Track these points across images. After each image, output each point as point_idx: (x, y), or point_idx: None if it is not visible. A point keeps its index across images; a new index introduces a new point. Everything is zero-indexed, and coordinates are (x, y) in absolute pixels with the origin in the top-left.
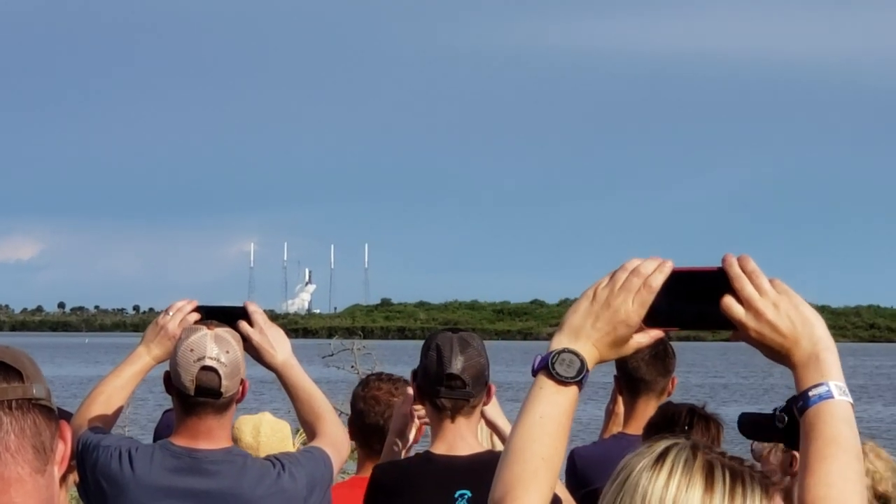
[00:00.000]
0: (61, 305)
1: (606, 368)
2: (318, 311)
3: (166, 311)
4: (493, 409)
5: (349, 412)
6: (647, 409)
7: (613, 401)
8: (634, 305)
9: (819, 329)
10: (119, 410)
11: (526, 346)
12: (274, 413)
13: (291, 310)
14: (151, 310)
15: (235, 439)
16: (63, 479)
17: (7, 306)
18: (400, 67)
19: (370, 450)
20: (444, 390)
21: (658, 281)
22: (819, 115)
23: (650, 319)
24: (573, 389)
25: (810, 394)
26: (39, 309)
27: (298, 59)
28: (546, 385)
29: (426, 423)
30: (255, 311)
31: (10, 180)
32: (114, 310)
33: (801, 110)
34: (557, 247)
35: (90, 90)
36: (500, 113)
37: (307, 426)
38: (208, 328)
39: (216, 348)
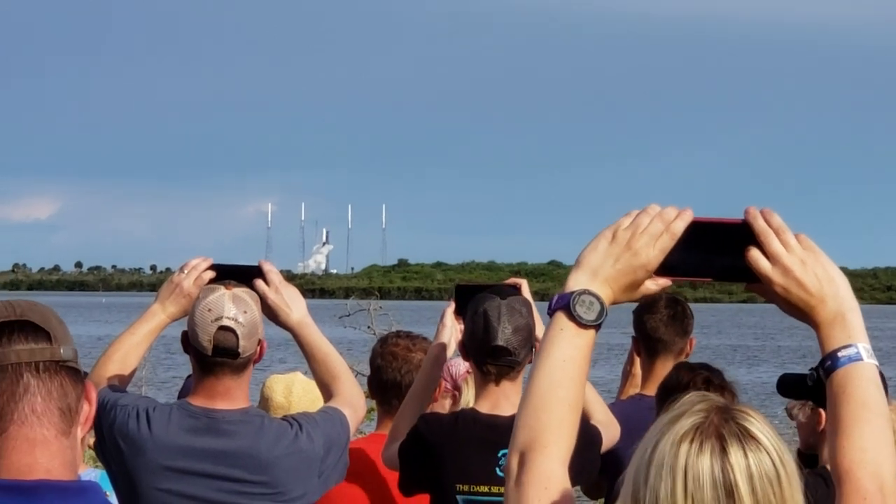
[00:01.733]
0: (78, 265)
1: (623, 328)
2: (335, 271)
3: (181, 269)
4: None
5: (366, 372)
6: (665, 369)
7: (630, 362)
8: (655, 250)
9: (844, 289)
10: (135, 368)
11: (543, 307)
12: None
13: (308, 270)
14: (168, 269)
15: (266, 398)
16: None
17: (24, 266)
18: (418, 30)
19: (389, 406)
20: (490, 360)
21: (680, 227)
22: (838, 78)
23: (663, 268)
24: (592, 333)
25: (839, 355)
26: (57, 268)
27: (317, 20)
28: (567, 327)
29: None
30: (271, 270)
31: (27, 141)
32: (131, 269)
33: (821, 73)
34: (575, 208)
35: (107, 51)
36: (519, 76)
37: (323, 386)
38: (226, 288)
39: (234, 308)
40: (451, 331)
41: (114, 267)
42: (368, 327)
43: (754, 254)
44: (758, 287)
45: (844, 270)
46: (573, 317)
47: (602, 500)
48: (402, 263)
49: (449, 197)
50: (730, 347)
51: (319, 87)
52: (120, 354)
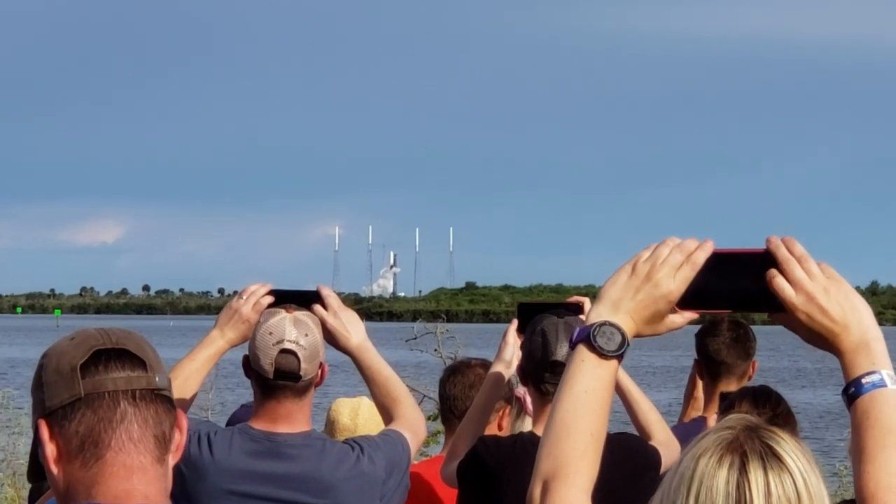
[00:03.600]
0: (146, 288)
1: (681, 352)
2: (402, 294)
3: (240, 295)
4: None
5: (431, 394)
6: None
7: (692, 384)
8: (676, 281)
9: (867, 317)
10: (195, 394)
11: None
12: (345, 395)
13: (376, 293)
14: (235, 293)
15: (333, 421)
16: None
17: (92, 289)
18: (480, 53)
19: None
20: (549, 376)
21: (702, 258)
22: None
23: (686, 301)
24: (614, 363)
25: (863, 381)
26: (124, 292)
27: (382, 43)
28: (588, 358)
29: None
30: (329, 294)
31: (95, 164)
32: (198, 293)
33: (881, 99)
34: (640, 230)
35: (175, 74)
36: (584, 97)
37: (384, 409)
38: (287, 311)
39: (295, 331)
40: (513, 349)
41: (181, 290)
42: (435, 350)
43: (779, 281)
44: (780, 316)
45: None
46: (594, 348)
47: None
48: (470, 286)
49: (516, 219)
50: (796, 370)
51: (386, 109)
52: (180, 381)
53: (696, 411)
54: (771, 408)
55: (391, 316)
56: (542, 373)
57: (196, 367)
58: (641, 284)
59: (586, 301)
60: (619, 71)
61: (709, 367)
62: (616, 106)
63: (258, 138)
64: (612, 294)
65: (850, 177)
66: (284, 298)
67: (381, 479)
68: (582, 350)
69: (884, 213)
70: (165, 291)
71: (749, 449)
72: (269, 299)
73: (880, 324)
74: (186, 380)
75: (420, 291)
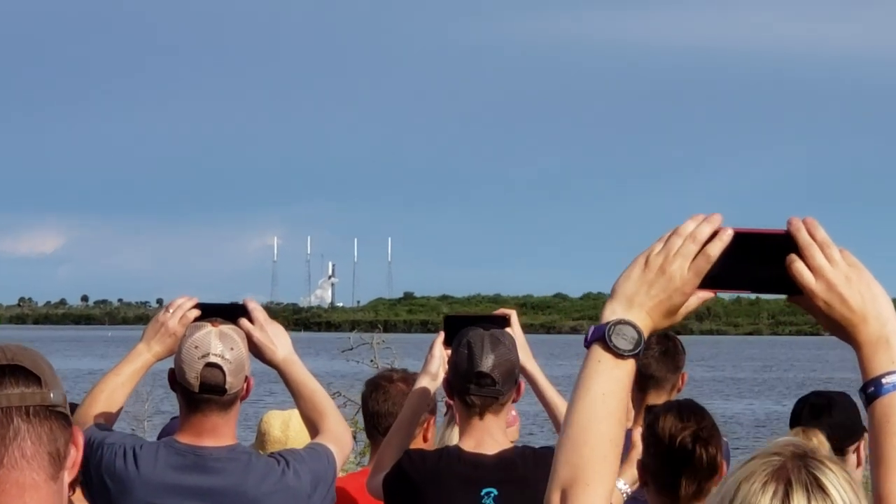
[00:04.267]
0: (84, 299)
1: None
2: (340, 304)
3: (166, 309)
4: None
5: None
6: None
7: None
8: (690, 273)
9: (888, 309)
10: (120, 408)
11: (549, 340)
12: (278, 408)
13: (314, 304)
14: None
15: (264, 433)
16: (72, 484)
17: (30, 300)
18: (421, 62)
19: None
20: (474, 388)
21: (717, 250)
22: (851, 109)
23: (705, 281)
24: (630, 362)
25: (884, 381)
26: (63, 302)
27: (321, 52)
28: (604, 359)
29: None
30: (255, 307)
31: (32, 175)
32: (137, 303)
33: (834, 104)
34: (580, 240)
35: (110, 86)
36: (523, 106)
37: (310, 423)
38: (213, 325)
39: (221, 345)
40: (439, 361)
41: (120, 300)
42: (371, 361)
43: (798, 266)
44: (800, 299)
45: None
46: (610, 348)
47: None
48: (408, 296)
49: (455, 229)
50: (732, 380)
51: (324, 119)
52: (105, 394)
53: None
54: (696, 421)
55: (329, 326)
56: (468, 384)
57: (121, 381)
58: (655, 278)
59: (513, 313)
60: (561, 80)
61: (638, 379)
62: (557, 116)
63: (197, 149)
64: (625, 290)
65: (788, 185)
66: (211, 312)
67: (307, 493)
68: (597, 350)
69: (823, 220)
70: (104, 302)
71: (795, 478)
72: (196, 313)
73: (816, 333)
74: (112, 394)
75: (358, 302)
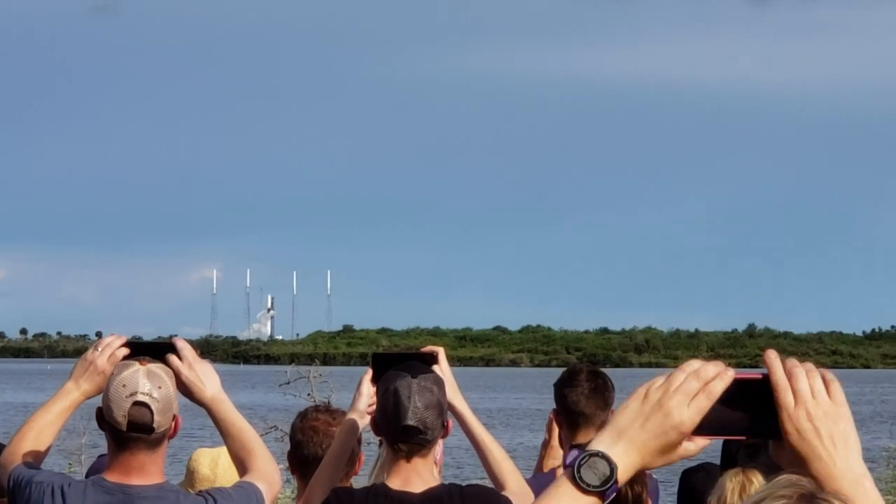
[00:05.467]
0: (23, 332)
1: (547, 398)
2: (280, 337)
3: (95, 347)
4: (457, 399)
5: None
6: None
7: (549, 432)
8: (690, 411)
9: (857, 463)
10: (49, 446)
11: (488, 373)
12: (205, 445)
13: (253, 336)
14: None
15: (192, 471)
16: None
17: None
18: (359, 93)
19: (309, 480)
20: (401, 437)
21: (719, 388)
22: (780, 145)
23: (700, 427)
24: (594, 500)
25: None
26: (1, 335)
27: (258, 85)
28: (567, 489)
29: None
30: (184, 346)
31: None
32: (76, 336)
33: (762, 140)
34: (520, 273)
35: (48, 117)
36: (461, 138)
37: (238, 461)
38: (141, 364)
39: (148, 384)
40: (367, 399)
41: (59, 333)
42: (309, 394)
43: (782, 415)
44: (782, 451)
45: (790, 335)
46: (574, 479)
47: None
48: (347, 329)
49: (394, 262)
50: None
51: (263, 151)
52: (34, 433)
53: (553, 460)
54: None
55: (268, 359)
56: (395, 436)
57: (50, 419)
58: (651, 412)
59: (441, 351)
60: (497, 111)
61: (568, 417)
62: (493, 147)
63: (137, 181)
64: (618, 421)
65: (723, 218)
66: (140, 350)
67: None
68: (562, 478)
69: (759, 255)
70: (43, 335)
71: None
72: (125, 351)
73: (755, 366)
74: (40, 433)
75: (297, 334)
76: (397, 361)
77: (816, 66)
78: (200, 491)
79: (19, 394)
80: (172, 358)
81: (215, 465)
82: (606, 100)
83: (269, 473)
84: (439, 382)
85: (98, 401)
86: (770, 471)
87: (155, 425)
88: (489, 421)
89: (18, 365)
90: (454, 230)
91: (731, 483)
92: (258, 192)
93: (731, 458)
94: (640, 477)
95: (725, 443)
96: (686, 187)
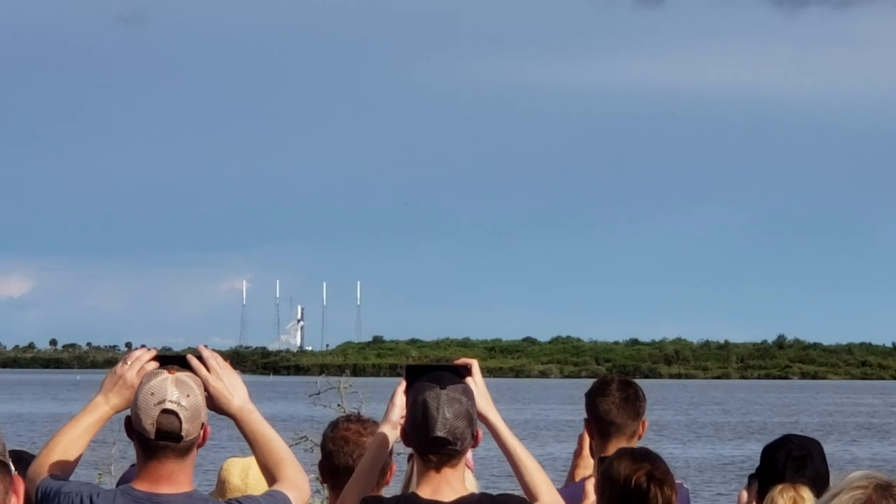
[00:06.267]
0: (53, 342)
1: (576, 408)
2: (310, 348)
3: (124, 361)
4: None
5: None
6: None
7: (580, 443)
8: None
9: None
10: (77, 460)
11: (518, 384)
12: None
13: (283, 347)
14: (143, 346)
15: (223, 480)
16: None
17: None
18: (388, 104)
19: (341, 490)
20: (430, 448)
21: None
22: (810, 155)
23: None
24: None
25: None
26: (31, 346)
27: (286, 95)
28: None
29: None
30: (211, 355)
31: (0, 219)
32: (105, 347)
33: (792, 150)
34: (550, 284)
35: (79, 128)
36: (491, 149)
37: (267, 471)
38: (169, 372)
39: (177, 392)
40: (400, 410)
41: (88, 344)
42: (338, 405)
43: None
44: None
45: (819, 346)
46: None
47: None
48: (377, 340)
49: (424, 273)
50: (696, 423)
51: (292, 161)
52: (62, 447)
53: (585, 470)
54: (650, 462)
55: (298, 370)
56: (425, 446)
57: (78, 433)
58: None
59: (474, 363)
60: (525, 121)
61: (599, 426)
62: (522, 158)
63: (166, 192)
64: None
65: (752, 229)
66: (169, 363)
67: None
68: None
69: (788, 266)
70: (73, 346)
71: None
72: (154, 365)
73: (784, 377)
74: (68, 446)
75: (327, 345)
76: (430, 372)
77: (846, 75)
78: (230, 499)
79: (50, 405)
80: (200, 368)
81: (246, 476)
82: (635, 109)
83: (299, 482)
84: (468, 393)
85: (127, 413)
86: (818, 484)
87: (183, 433)
88: (519, 433)
89: (48, 376)
90: (484, 241)
91: (781, 499)
92: (288, 203)
93: (778, 472)
94: (669, 479)
95: (770, 454)
96: (715, 198)
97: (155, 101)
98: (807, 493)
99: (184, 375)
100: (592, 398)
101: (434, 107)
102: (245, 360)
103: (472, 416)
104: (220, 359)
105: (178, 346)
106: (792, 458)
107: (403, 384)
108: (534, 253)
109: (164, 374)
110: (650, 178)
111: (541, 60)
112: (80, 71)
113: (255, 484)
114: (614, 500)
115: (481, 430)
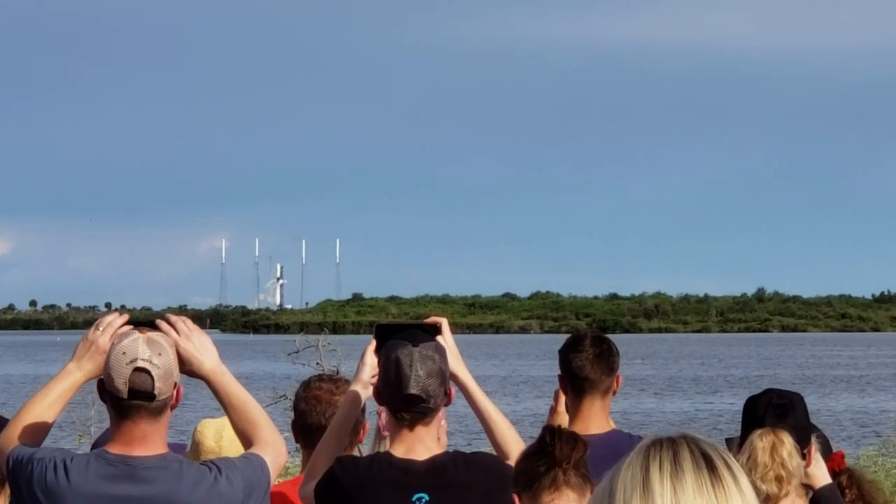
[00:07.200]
0: (33, 304)
1: (552, 365)
2: (289, 306)
3: (96, 327)
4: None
5: None
6: (593, 408)
7: (556, 399)
8: None
9: None
10: (49, 427)
11: (497, 340)
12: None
13: (263, 305)
14: (123, 307)
15: (197, 442)
16: None
17: None
18: (367, 62)
19: (313, 449)
20: (403, 407)
21: None
22: (788, 109)
23: None
24: None
25: None
26: (11, 307)
27: (265, 54)
28: None
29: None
30: (178, 319)
31: None
32: (86, 307)
33: (771, 104)
34: (529, 240)
35: (56, 89)
36: (469, 106)
37: (242, 434)
38: (141, 332)
39: (148, 351)
40: (370, 370)
41: (68, 305)
42: (318, 363)
43: None
44: None
45: (798, 299)
46: None
47: None
48: (357, 297)
49: (403, 230)
50: (673, 378)
51: (270, 120)
52: (34, 414)
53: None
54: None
55: (278, 328)
56: (398, 404)
57: (50, 401)
58: None
59: (444, 321)
60: (508, 78)
61: (573, 382)
62: (500, 113)
63: (144, 152)
64: None
65: (731, 182)
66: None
67: (240, 501)
68: None
69: (768, 218)
70: (52, 306)
71: (678, 448)
72: (127, 330)
73: (765, 330)
74: (40, 415)
75: (307, 303)
76: (400, 331)
77: (825, 29)
78: (204, 461)
79: (29, 366)
80: (169, 331)
81: (220, 437)
82: (613, 64)
83: (275, 444)
84: (441, 351)
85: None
86: (798, 431)
87: (156, 392)
88: (498, 388)
89: (28, 337)
90: (462, 197)
91: (761, 442)
92: (266, 161)
93: (759, 419)
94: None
95: (753, 402)
96: (694, 152)
97: (133, 62)
98: (787, 438)
99: (155, 335)
100: (566, 354)
101: (412, 63)
102: (225, 319)
103: (445, 375)
104: (189, 322)
105: (158, 305)
106: (773, 406)
107: (373, 343)
108: (512, 209)
109: (136, 334)
110: (629, 134)
111: (519, 14)
112: (60, 31)
113: (229, 446)
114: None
115: (454, 389)
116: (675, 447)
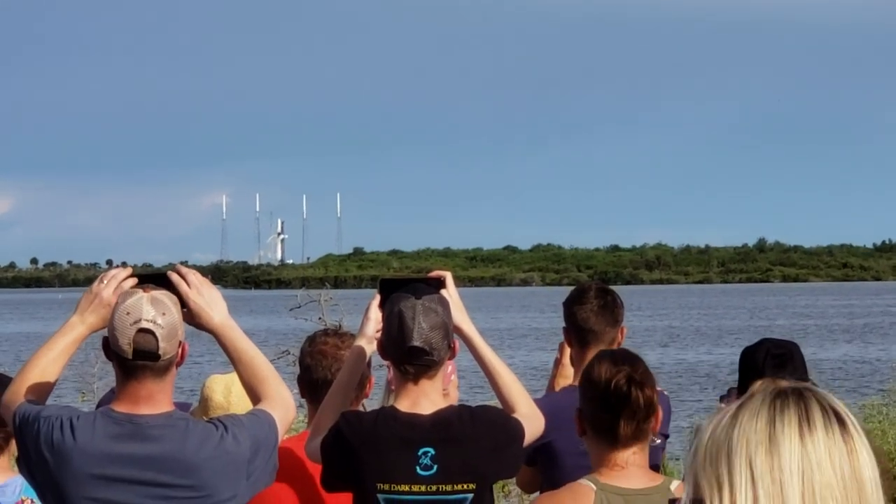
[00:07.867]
0: (34, 261)
1: (557, 316)
2: (291, 261)
3: (100, 280)
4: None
5: None
6: None
7: (561, 352)
8: None
9: None
10: (54, 382)
11: (499, 292)
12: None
13: (264, 261)
14: (125, 264)
15: (206, 398)
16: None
17: None
18: (367, 15)
19: (319, 405)
20: (407, 359)
21: None
22: (786, 58)
23: None
24: None
25: None
26: (12, 265)
27: (267, 9)
28: None
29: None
30: (189, 271)
31: None
32: (87, 264)
33: (768, 53)
34: (530, 192)
35: (56, 46)
36: (469, 59)
37: (250, 389)
38: (145, 291)
39: (153, 310)
40: (375, 324)
41: (69, 262)
42: (320, 318)
43: None
44: None
45: (800, 248)
46: None
47: (538, 492)
48: (358, 252)
49: (404, 184)
50: (676, 329)
51: (270, 75)
52: (38, 370)
53: (565, 379)
54: (629, 365)
55: (279, 284)
56: (401, 356)
57: (54, 355)
58: None
59: (448, 275)
60: (503, 31)
61: (578, 335)
62: (501, 67)
63: (144, 109)
64: None
65: (732, 132)
66: (147, 280)
67: (247, 458)
68: None
69: (769, 169)
70: (54, 264)
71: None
72: (132, 282)
73: (766, 280)
74: (44, 369)
75: (308, 258)
76: (404, 285)
77: None
78: (211, 418)
79: (31, 324)
80: (180, 284)
81: (229, 393)
82: (612, 17)
83: (284, 400)
84: (444, 303)
85: (105, 333)
86: (798, 380)
87: (161, 352)
88: (501, 341)
89: (30, 295)
90: (463, 151)
91: None
92: (266, 117)
93: (758, 369)
94: (650, 380)
95: (750, 353)
96: (693, 103)
97: (133, 18)
98: None
99: (159, 294)
100: (570, 306)
101: (412, 19)
102: (226, 275)
103: (448, 327)
104: (199, 275)
105: (159, 262)
106: (771, 356)
107: (378, 298)
108: (513, 162)
109: (140, 294)
110: (629, 86)
111: None
112: None
113: (238, 401)
114: (595, 402)
115: (458, 342)
116: (805, 400)
